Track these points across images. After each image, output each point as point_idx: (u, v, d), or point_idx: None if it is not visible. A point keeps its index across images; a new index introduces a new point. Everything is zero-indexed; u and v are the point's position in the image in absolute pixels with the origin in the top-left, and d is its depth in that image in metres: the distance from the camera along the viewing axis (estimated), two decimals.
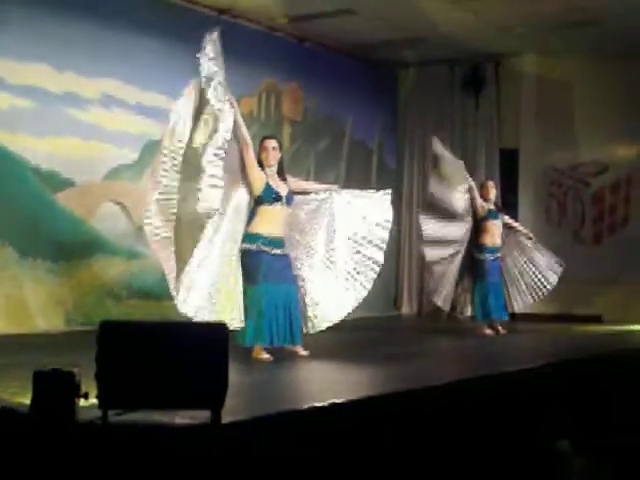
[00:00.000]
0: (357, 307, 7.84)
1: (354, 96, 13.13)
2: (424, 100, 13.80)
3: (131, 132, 10.01)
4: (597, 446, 6.58)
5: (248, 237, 7.06)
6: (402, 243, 13.81)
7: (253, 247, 7.05)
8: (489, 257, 10.03)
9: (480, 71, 13.37)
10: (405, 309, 13.78)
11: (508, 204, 12.22)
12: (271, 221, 7.15)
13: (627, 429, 7.03)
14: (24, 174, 9.00)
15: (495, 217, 10.12)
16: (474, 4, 10.62)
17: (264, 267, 7.06)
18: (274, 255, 7.13)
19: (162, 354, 4.13)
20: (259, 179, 7.16)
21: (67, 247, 9.34)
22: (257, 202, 7.16)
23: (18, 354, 6.90)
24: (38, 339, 8.32)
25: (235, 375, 4.54)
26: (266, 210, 7.14)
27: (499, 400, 6.22)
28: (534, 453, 6.17)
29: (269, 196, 7.13)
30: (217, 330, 4.32)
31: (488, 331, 10.03)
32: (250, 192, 7.16)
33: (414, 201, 13.90)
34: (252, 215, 7.17)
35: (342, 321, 7.88)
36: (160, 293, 10.17)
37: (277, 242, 7.19)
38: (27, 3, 8.95)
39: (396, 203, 13.73)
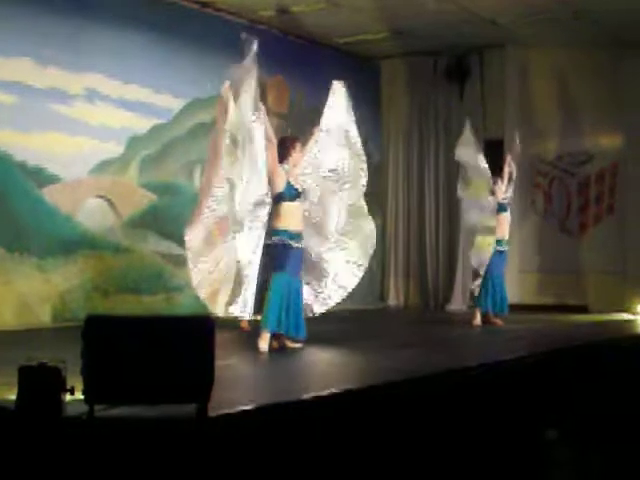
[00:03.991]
0: (342, 299, 7.92)
1: None
2: (408, 92, 13.80)
3: (115, 126, 9.98)
4: (584, 435, 6.61)
5: (275, 232, 7.41)
6: (388, 234, 13.82)
7: (280, 241, 7.39)
8: (498, 248, 10.14)
9: (464, 62, 13.36)
10: (392, 301, 13.77)
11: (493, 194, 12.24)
12: (293, 217, 7.52)
13: (613, 418, 7.06)
14: (9, 170, 8.96)
15: (505, 210, 10.28)
16: None
17: (290, 259, 7.43)
18: (296, 249, 7.49)
19: (148, 348, 4.14)
20: (280, 176, 7.48)
21: (54, 242, 9.31)
22: (278, 199, 7.46)
23: (4, 349, 6.87)
24: (24, 334, 8.30)
25: (222, 368, 4.54)
26: (288, 207, 7.48)
27: (487, 389, 6.25)
28: (522, 442, 6.20)
29: (290, 193, 7.48)
30: (203, 324, 4.33)
31: (477, 322, 10.10)
32: (270, 188, 7.41)
33: (399, 193, 13.91)
34: (274, 211, 7.45)
35: (329, 313, 7.93)
36: (147, 288, 10.20)
37: (298, 236, 7.53)
38: None
39: (382, 195, 13.83)
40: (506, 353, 7.51)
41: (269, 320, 7.31)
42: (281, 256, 7.39)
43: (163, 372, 4.12)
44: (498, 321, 10.20)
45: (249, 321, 8.46)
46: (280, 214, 7.44)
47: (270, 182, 7.40)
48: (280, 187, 7.44)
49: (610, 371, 7.76)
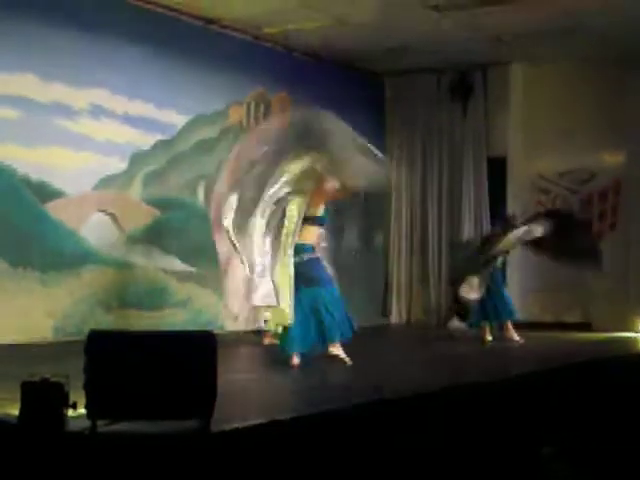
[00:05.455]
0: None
1: (342, 105, 13.01)
2: (412, 109, 13.80)
3: (119, 142, 9.99)
4: (580, 452, 6.60)
5: (307, 249, 7.61)
6: (391, 252, 13.82)
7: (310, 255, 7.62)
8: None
9: (468, 79, 13.40)
10: (394, 318, 13.75)
11: (496, 213, 12.27)
12: (313, 239, 7.75)
13: (609, 435, 7.05)
14: (13, 185, 8.98)
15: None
16: (461, 13, 10.65)
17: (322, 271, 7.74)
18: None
19: (151, 364, 4.14)
20: (322, 202, 7.77)
21: (57, 257, 9.32)
22: (312, 221, 7.68)
23: (7, 364, 6.88)
24: (28, 349, 8.29)
25: (226, 383, 4.54)
26: (314, 230, 7.73)
27: (484, 407, 6.24)
28: (519, 459, 6.19)
29: (324, 219, 7.83)
30: (205, 339, 4.33)
31: (489, 337, 10.17)
32: (306, 210, 7.59)
33: (402, 209, 13.90)
34: (302, 231, 7.62)
35: None
36: (150, 303, 10.21)
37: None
38: (13, 13, 8.91)
39: (385, 211, 13.84)
40: (508, 370, 7.51)
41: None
42: (313, 270, 7.61)
43: (166, 387, 4.13)
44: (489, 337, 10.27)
45: (272, 335, 8.48)
46: (304, 233, 7.58)
47: (311, 203, 7.57)
48: (320, 212, 7.71)
49: (612, 389, 7.75)
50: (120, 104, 10.00)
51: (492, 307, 10.12)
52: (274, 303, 7.25)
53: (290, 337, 7.40)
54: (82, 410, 4.13)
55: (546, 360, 8.45)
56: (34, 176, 9.15)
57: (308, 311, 7.42)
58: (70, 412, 4.17)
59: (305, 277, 7.46)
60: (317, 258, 7.67)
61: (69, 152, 9.51)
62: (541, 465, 6.34)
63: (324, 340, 7.49)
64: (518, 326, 10.64)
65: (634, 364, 8.93)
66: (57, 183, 9.37)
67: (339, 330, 7.51)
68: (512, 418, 6.36)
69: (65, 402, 4.13)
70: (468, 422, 5.89)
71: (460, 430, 5.76)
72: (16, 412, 4.15)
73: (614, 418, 7.34)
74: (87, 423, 4.09)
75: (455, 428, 5.74)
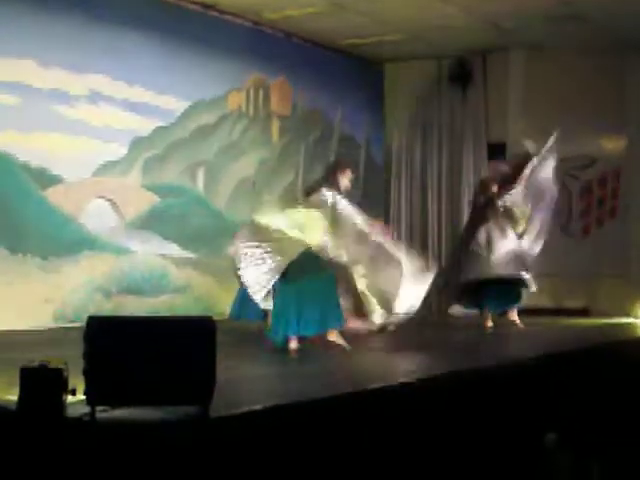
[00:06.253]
0: None
1: (342, 91, 13.13)
2: (412, 95, 13.78)
3: (119, 128, 9.98)
4: (584, 440, 6.60)
5: None
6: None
7: None
8: None
9: (467, 65, 13.37)
10: None
11: None
12: None
13: (613, 424, 7.06)
14: (12, 171, 8.97)
15: None
16: None
17: None
18: None
19: (150, 350, 4.13)
20: None
21: (56, 243, 9.33)
22: None
23: (6, 351, 6.88)
24: (27, 336, 8.30)
25: (226, 369, 4.54)
26: None
27: (487, 394, 6.24)
28: (522, 447, 6.20)
29: None
30: (205, 325, 4.33)
31: (490, 323, 10.15)
32: None
33: (402, 195, 13.89)
34: None
35: None
36: (149, 289, 10.21)
37: None
38: None
39: (384, 198, 13.83)
40: (505, 357, 7.51)
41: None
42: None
43: (165, 373, 4.12)
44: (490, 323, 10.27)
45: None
46: None
47: None
48: None
49: (611, 376, 7.75)
50: (119, 90, 9.98)
51: (494, 295, 10.11)
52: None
53: (284, 322, 7.40)
54: (81, 396, 4.13)
55: (547, 346, 8.45)
56: (33, 162, 9.14)
57: (298, 299, 7.39)
58: (69, 398, 4.17)
59: (296, 268, 7.43)
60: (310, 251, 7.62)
61: (68, 138, 9.50)
62: (544, 453, 6.34)
63: (319, 327, 7.48)
64: (518, 312, 10.65)
65: (633, 350, 8.93)
66: (56, 169, 9.37)
67: (333, 318, 7.51)
68: (513, 405, 6.37)
69: (64, 388, 4.13)
70: (469, 409, 5.90)
71: (461, 417, 5.77)
72: (15, 398, 4.15)
73: (615, 405, 7.34)
74: (86, 409, 4.09)
75: (456, 415, 5.74)
